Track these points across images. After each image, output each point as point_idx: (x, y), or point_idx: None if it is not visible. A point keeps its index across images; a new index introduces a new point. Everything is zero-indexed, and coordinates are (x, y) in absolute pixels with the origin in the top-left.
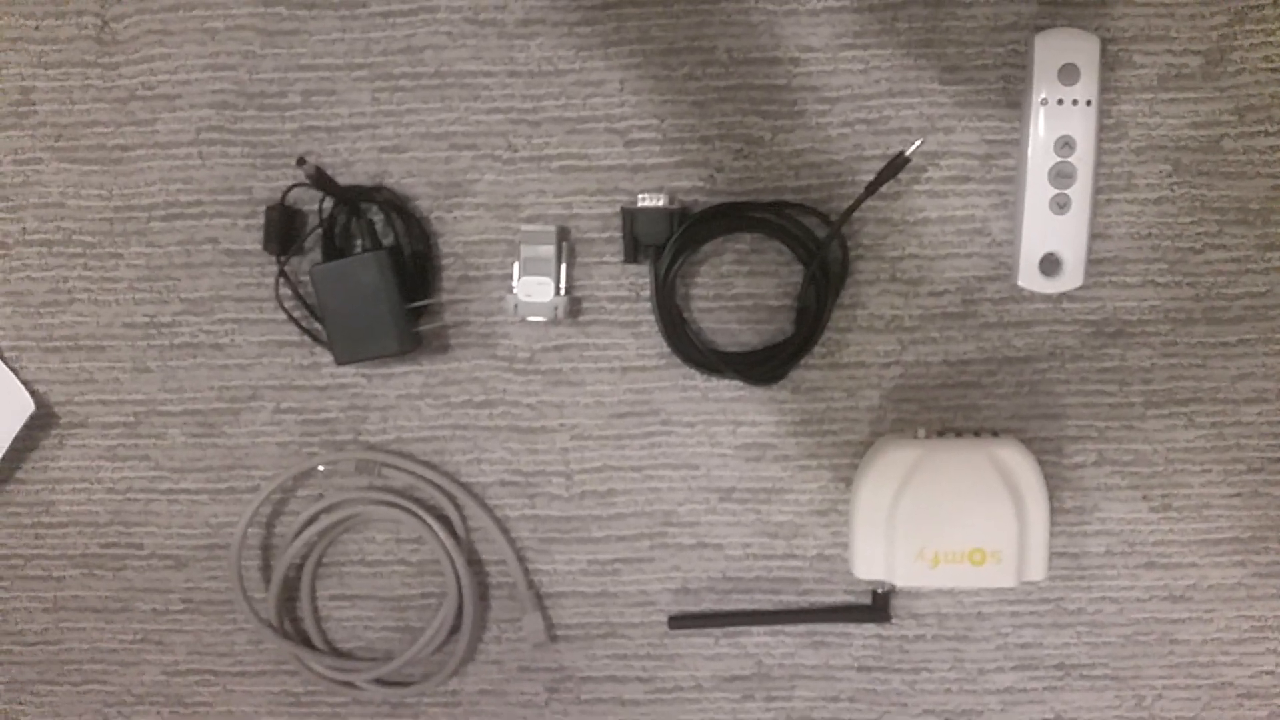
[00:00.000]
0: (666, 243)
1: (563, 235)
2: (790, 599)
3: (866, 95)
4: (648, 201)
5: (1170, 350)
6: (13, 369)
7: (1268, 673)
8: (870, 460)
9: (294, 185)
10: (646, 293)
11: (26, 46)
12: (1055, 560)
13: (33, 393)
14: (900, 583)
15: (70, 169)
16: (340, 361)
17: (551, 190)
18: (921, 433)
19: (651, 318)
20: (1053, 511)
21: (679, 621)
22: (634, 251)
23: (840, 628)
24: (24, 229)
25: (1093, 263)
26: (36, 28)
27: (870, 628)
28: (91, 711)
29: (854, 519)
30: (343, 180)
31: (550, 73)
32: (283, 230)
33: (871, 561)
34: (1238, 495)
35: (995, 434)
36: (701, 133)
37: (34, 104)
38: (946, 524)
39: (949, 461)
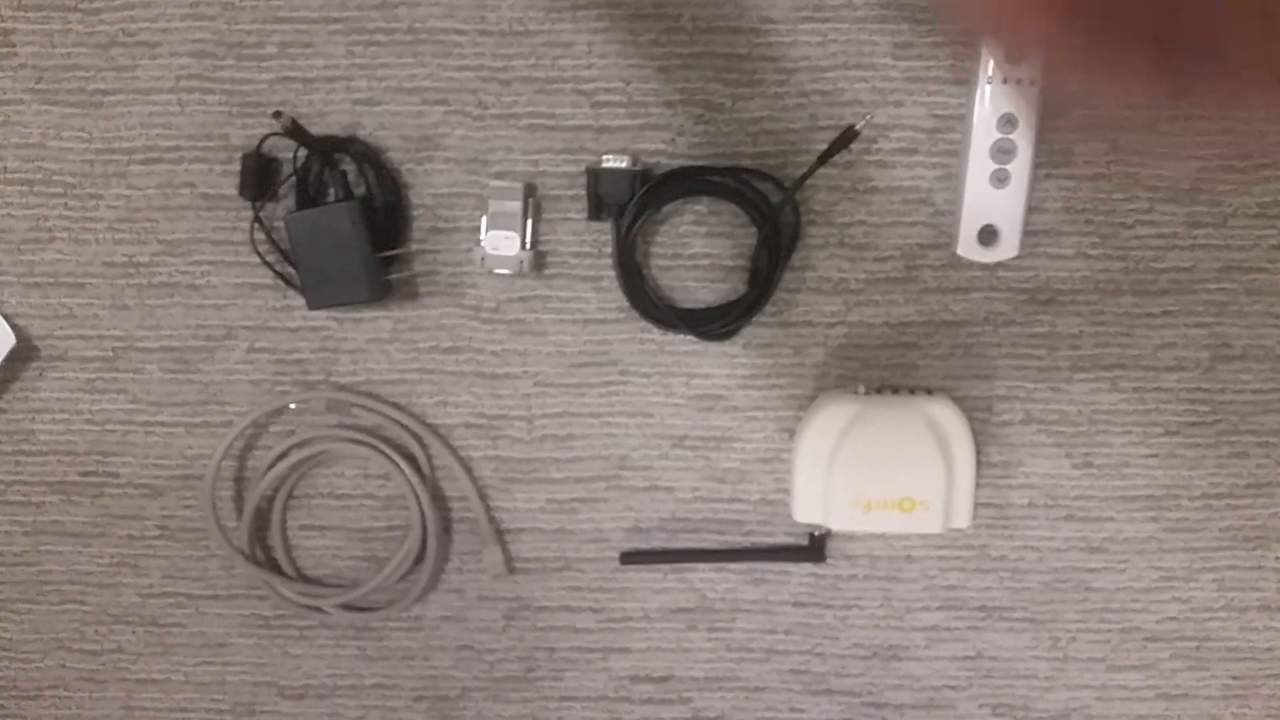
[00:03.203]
0: (628, 203)
1: (529, 192)
2: (734, 539)
3: (823, 68)
4: (612, 162)
5: (1098, 318)
6: None
7: (1171, 619)
8: (812, 413)
9: (269, 134)
10: (608, 249)
11: None
12: (981, 510)
13: (14, 327)
14: (836, 527)
15: (51, 111)
16: (312, 306)
17: (519, 147)
18: (861, 389)
19: (612, 273)
20: (980, 465)
21: (630, 558)
22: (597, 210)
23: (779, 566)
24: (5, 168)
25: (1028, 234)
26: None
27: (807, 567)
28: (70, 629)
29: (795, 467)
30: (316, 130)
31: (520, 33)
32: (258, 177)
33: (810, 507)
34: (1154, 456)
35: (929, 392)
36: (665, 97)
37: (14, 46)
38: (880, 474)
39: (885, 416)
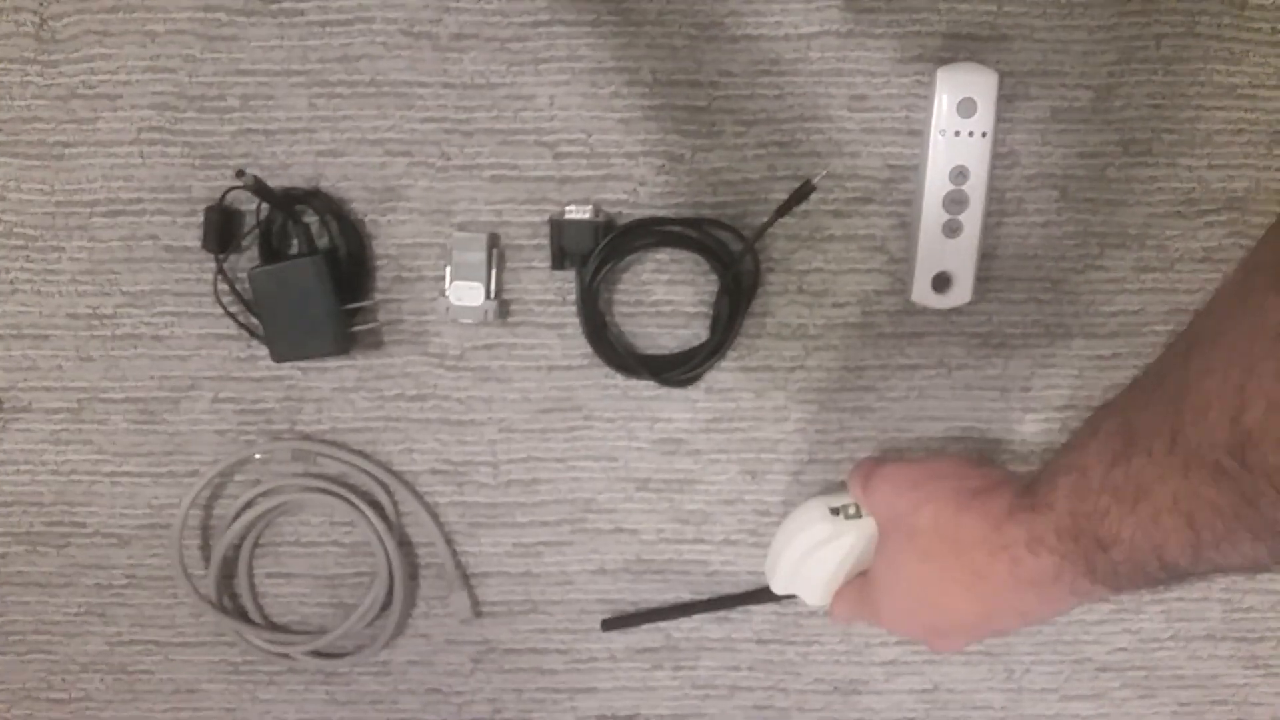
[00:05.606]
0: (591, 252)
1: (493, 242)
2: (698, 579)
3: (780, 120)
4: (574, 213)
5: (1048, 361)
6: None
7: (1121, 649)
8: (792, 525)
9: (232, 188)
10: (572, 297)
11: None
12: None
13: None
14: (812, 604)
15: (11, 163)
16: (277, 359)
17: (483, 198)
18: (848, 509)
19: (576, 321)
20: None
21: (611, 624)
22: (561, 259)
23: (743, 606)
24: None
25: (981, 280)
26: None
27: (769, 605)
28: (36, 679)
29: (775, 561)
30: (279, 182)
31: (483, 86)
32: (221, 230)
33: (786, 585)
34: None
35: None
36: (626, 149)
37: None
38: (855, 570)
39: (859, 538)
